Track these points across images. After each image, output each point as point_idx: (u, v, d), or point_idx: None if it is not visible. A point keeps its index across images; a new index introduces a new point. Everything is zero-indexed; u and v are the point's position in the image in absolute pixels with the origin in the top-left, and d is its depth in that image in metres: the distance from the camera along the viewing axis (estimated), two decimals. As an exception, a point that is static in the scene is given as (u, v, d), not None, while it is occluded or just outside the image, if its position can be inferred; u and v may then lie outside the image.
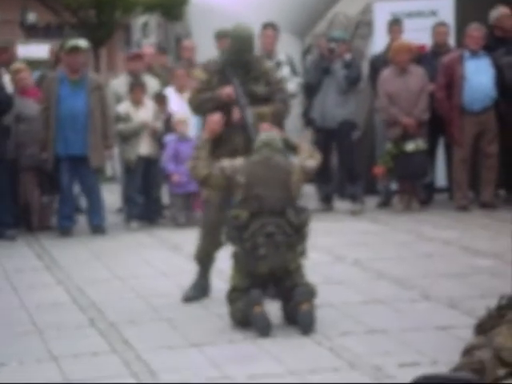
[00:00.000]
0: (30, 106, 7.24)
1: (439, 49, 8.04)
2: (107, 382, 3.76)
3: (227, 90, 4.86)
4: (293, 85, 7.95)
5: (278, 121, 4.93)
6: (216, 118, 4.71)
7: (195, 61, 8.44)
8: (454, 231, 6.90)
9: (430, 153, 7.94)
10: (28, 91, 7.40)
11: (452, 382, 3.41)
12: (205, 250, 4.98)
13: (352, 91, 7.94)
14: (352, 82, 7.84)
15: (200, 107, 4.97)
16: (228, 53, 4.99)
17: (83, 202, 7.74)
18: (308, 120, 8.21)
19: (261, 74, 4.95)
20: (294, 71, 8.07)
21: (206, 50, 8.40)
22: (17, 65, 7.62)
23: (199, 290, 4.97)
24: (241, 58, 4.89)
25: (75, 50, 7.13)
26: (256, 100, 4.88)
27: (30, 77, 7.57)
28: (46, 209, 7.49)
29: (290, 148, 4.75)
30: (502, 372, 3.58)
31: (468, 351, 3.68)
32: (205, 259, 5.00)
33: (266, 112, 4.91)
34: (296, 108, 8.29)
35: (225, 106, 4.84)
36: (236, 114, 4.84)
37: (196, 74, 5.66)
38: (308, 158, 4.67)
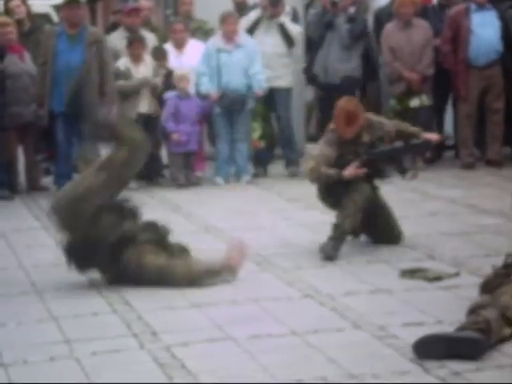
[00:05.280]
0: (14, 63, 7.01)
1: (445, 1, 7.86)
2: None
3: (351, 171, 4.96)
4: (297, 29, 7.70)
5: None
6: None
7: (193, 15, 8.28)
8: (459, 190, 6.83)
9: (439, 109, 7.81)
10: (12, 47, 7.10)
11: (457, 341, 3.37)
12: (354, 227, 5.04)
13: (356, 46, 7.78)
14: (356, 36, 7.67)
15: (319, 179, 5.05)
16: None
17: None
18: (310, 76, 8.05)
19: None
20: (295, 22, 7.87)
21: (204, 4, 8.23)
22: (1, 18, 7.34)
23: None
24: None
25: (74, 2, 6.97)
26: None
27: (15, 32, 7.31)
28: (35, 169, 7.28)
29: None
30: (507, 331, 3.53)
31: (473, 310, 3.62)
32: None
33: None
34: (298, 64, 8.15)
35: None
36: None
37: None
38: None
